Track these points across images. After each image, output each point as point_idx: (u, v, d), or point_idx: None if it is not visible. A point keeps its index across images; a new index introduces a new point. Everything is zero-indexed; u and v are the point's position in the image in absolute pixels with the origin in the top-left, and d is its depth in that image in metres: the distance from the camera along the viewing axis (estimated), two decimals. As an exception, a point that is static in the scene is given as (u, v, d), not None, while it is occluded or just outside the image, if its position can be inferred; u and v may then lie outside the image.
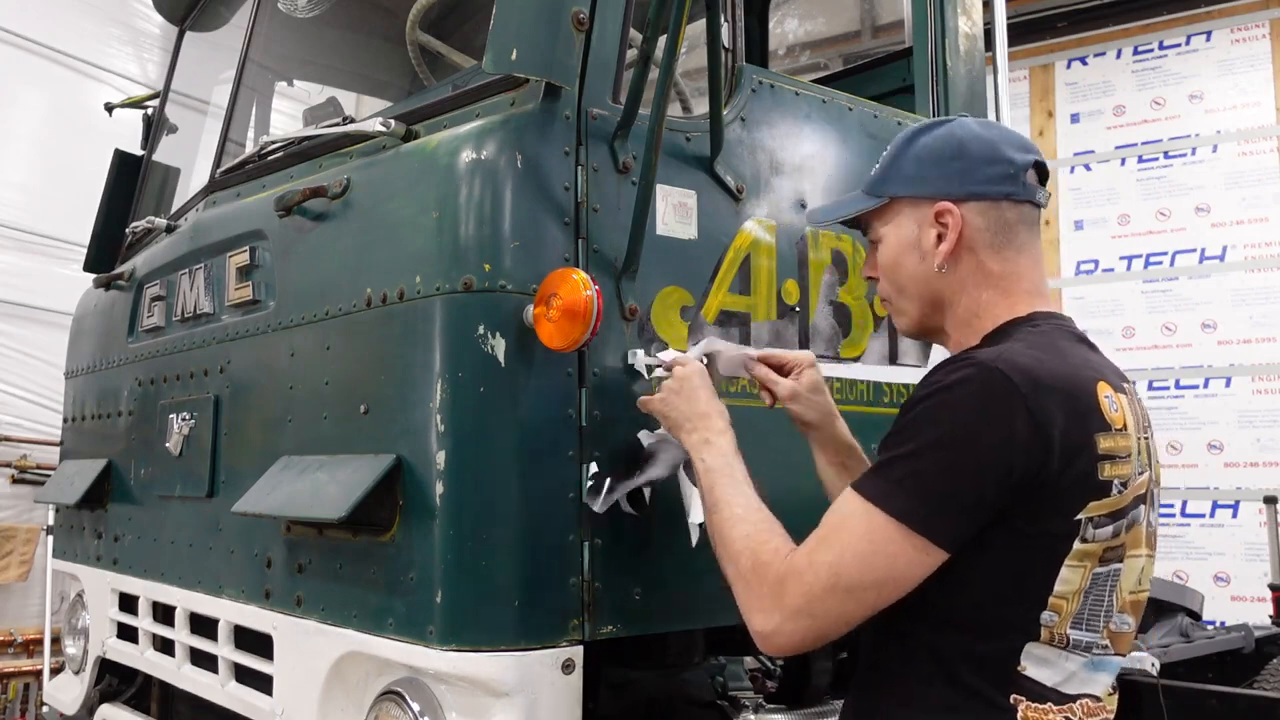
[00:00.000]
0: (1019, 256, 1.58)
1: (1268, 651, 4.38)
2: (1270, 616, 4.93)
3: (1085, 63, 7.19)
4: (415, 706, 1.71)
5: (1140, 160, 6.96)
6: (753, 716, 2.23)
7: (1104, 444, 1.40)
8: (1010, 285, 1.57)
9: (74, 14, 6.39)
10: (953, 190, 1.57)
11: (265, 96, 3.26)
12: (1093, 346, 1.57)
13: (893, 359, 2.35)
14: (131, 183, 3.42)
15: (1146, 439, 1.52)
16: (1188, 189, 6.82)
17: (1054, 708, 1.41)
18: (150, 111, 3.55)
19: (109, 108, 3.87)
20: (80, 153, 5.71)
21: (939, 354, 2.43)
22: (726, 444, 1.68)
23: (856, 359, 2.27)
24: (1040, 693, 1.41)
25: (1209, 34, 6.80)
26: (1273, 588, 5.01)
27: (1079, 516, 1.38)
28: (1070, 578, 1.39)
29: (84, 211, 3.53)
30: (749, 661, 2.84)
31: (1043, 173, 1.61)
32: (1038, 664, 1.41)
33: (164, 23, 4.02)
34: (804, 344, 2.17)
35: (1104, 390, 1.44)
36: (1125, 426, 1.44)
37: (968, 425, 1.35)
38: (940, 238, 1.57)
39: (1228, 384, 6.55)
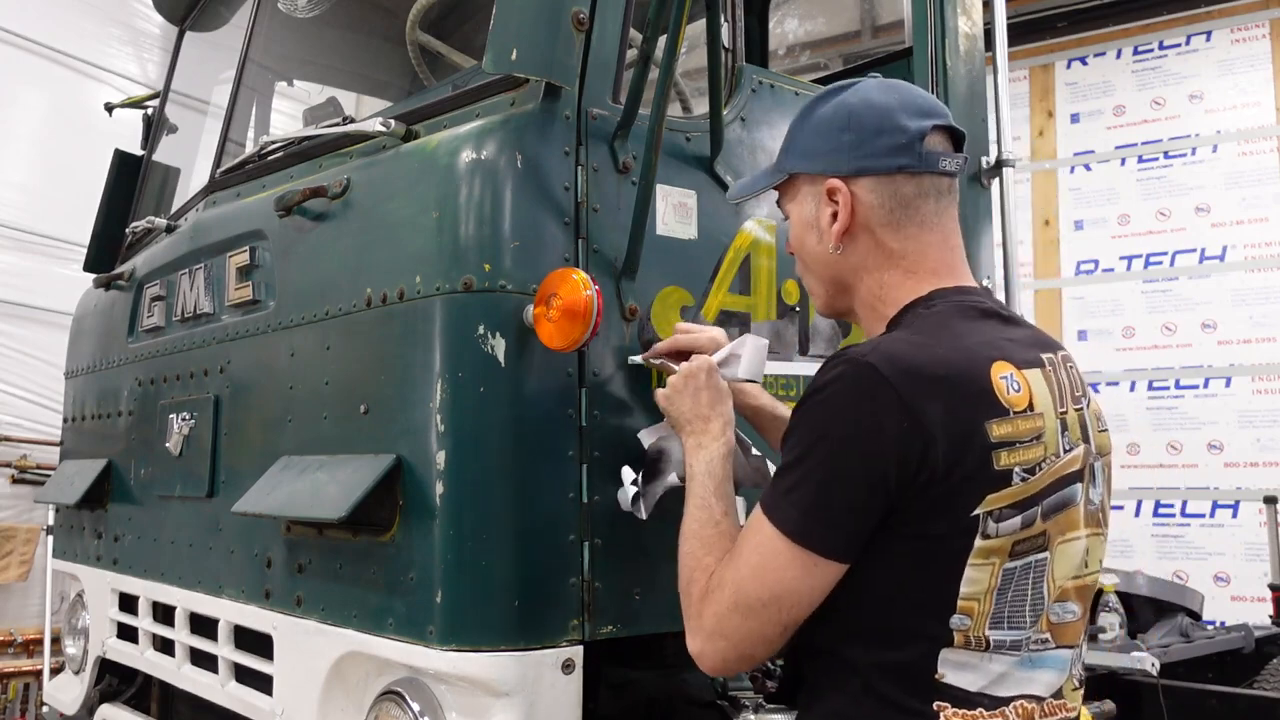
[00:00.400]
0: (922, 233, 1.47)
1: (1268, 651, 4.38)
2: (1270, 616, 4.94)
3: (1085, 63, 7.19)
4: (415, 706, 1.71)
5: (1140, 160, 6.96)
6: (753, 716, 2.23)
7: (998, 430, 1.30)
8: (914, 264, 1.48)
9: (74, 14, 6.39)
10: (841, 166, 1.48)
11: (265, 96, 3.26)
12: (1004, 319, 1.47)
13: (893, 359, 2.34)
14: (131, 183, 3.42)
15: (1080, 410, 1.43)
16: (1188, 189, 6.83)
17: (984, 713, 1.33)
18: (150, 111, 3.55)
19: (109, 108, 3.87)
20: (80, 153, 5.71)
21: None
22: (715, 451, 1.63)
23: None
24: (966, 698, 1.32)
25: (1209, 34, 6.80)
26: (1273, 588, 5.01)
27: (975, 512, 1.29)
28: (977, 577, 1.31)
29: (84, 211, 3.53)
30: (749, 661, 2.84)
31: (956, 137, 1.50)
32: (957, 669, 1.33)
33: (164, 23, 4.02)
34: (804, 344, 2.17)
35: (1001, 370, 1.34)
36: (1031, 406, 1.34)
37: (840, 427, 1.30)
38: (834, 216, 1.50)
39: (1228, 384, 6.56)
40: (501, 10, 1.80)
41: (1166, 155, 6.90)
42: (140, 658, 2.65)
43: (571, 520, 1.75)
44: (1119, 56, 7.09)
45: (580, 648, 1.72)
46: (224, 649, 2.24)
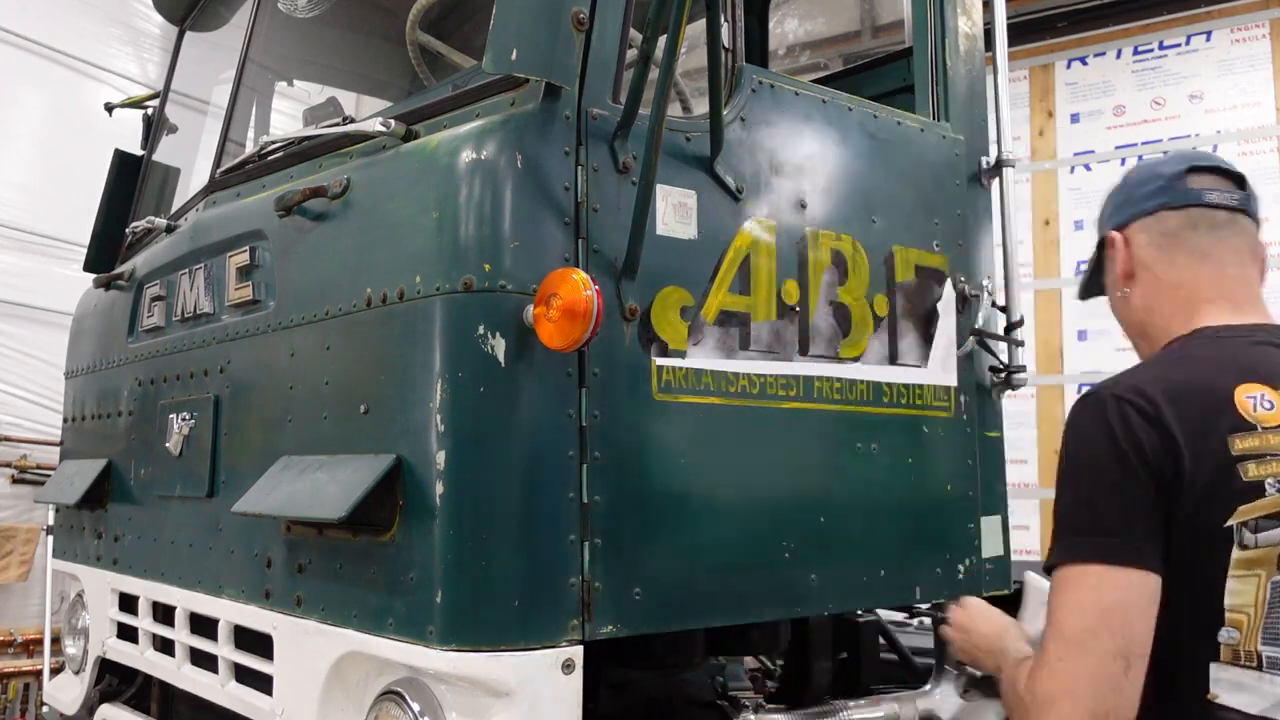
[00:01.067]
0: (1195, 263, 1.57)
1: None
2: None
3: (1085, 63, 7.18)
4: (415, 706, 1.71)
5: (1140, 161, 6.96)
6: (753, 716, 2.23)
7: (1242, 444, 1.34)
8: (1190, 295, 1.57)
9: (74, 14, 6.39)
10: (1118, 219, 1.66)
11: (265, 96, 3.26)
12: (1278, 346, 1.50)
13: (893, 359, 2.34)
14: (131, 183, 3.42)
15: None
16: (1188, 189, 6.81)
17: None
18: (150, 111, 3.55)
19: (109, 108, 3.87)
20: (80, 153, 5.71)
21: (938, 357, 2.43)
22: (1000, 645, 1.71)
23: (856, 359, 2.27)
24: (1243, 717, 1.31)
25: (1209, 34, 6.80)
26: (1273, 588, 5.00)
27: (1229, 523, 1.32)
28: (1241, 589, 1.32)
29: (84, 211, 3.53)
30: (749, 661, 2.85)
31: (1231, 177, 1.62)
32: (1232, 689, 1.32)
33: (164, 23, 4.02)
34: (804, 344, 2.17)
35: (1248, 390, 1.38)
36: (1269, 425, 1.37)
37: (1091, 449, 1.39)
38: (1118, 266, 1.65)
39: (1228, 384, 6.55)
40: (501, 10, 1.80)
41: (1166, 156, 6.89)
42: (140, 658, 2.65)
43: (571, 520, 1.75)
44: (1119, 56, 7.09)
45: (580, 648, 1.72)
46: (224, 649, 2.24)
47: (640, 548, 1.84)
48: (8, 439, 5.92)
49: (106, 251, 3.28)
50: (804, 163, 2.24)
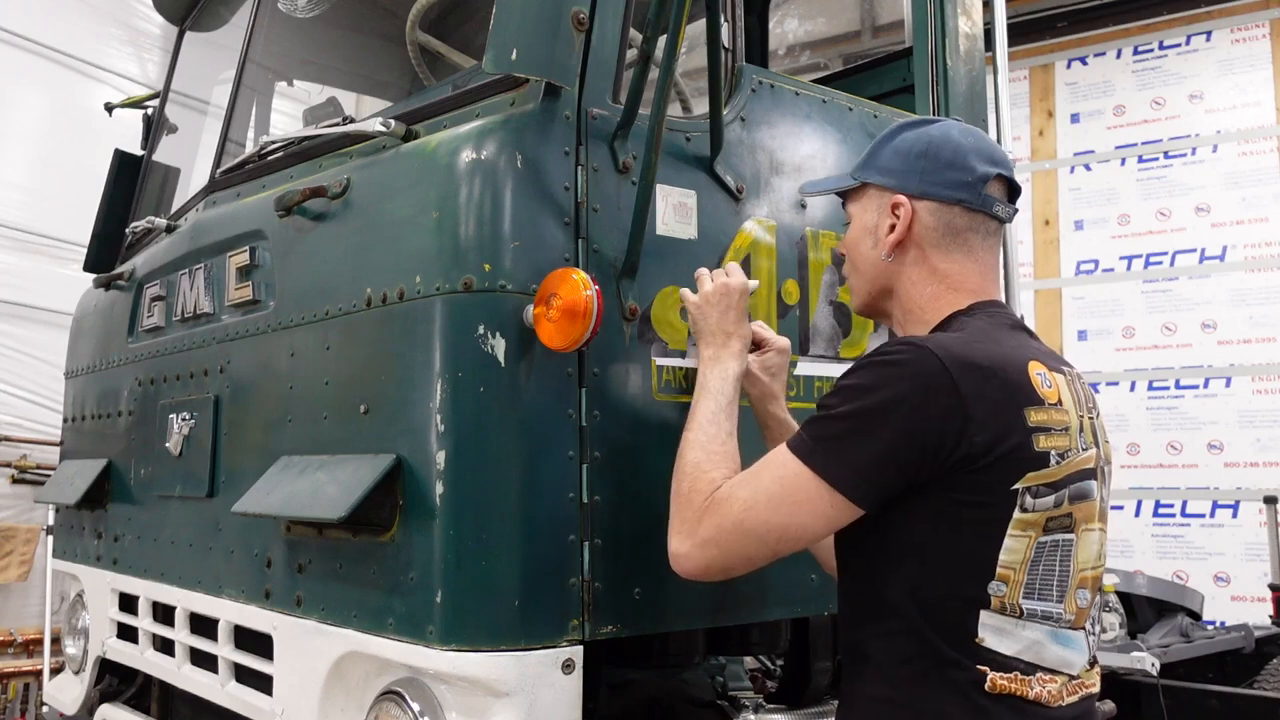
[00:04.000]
0: (966, 260, 1.67)
1: (1268, 651, 4.39)
2: (1270, 616, 4.94)
3: (1085, 63, 7.19)
4: (415, 706, 1.71)
5: (1140, 160, 6.96)
6: (753, 716, 2.23)
7: (1035, 416, 1.47)
8: (956, 284, 1.67)
9: (74, 14, 6.39)
10: (909, 186, 1.68)
11: (265, 96, 3.26)
12: (1031, 334, 1.68)
13: (893, 359, 2.34)
14: (131, 183, 3.42)
15: (1091, 418, 1.59)
16: (1188, 189, 6.83)
17: (1020, 676, 1.46)
18: (150, 111, 3.55)
19: (109, 108, 3.87)
20: (80, 153, 5.72)
21: (939, 354, 2.43)
22: (731, 369, 1.77)
23: (856, 359, 2.26)
24: (1004, 662, 1.45)
25: (1209, 34, 6.80)
26: (1273, 588, 5.01)
27: (1015, 486, 1.44)
28: (1014, 547, 1.45)
29: (84, 211, 3.53)
30: (749, 661, 2.84)
31: (1012, 188, 1.71)
32: (995, 634, 1.46)
33: (164, 23, 4.02)
34: (804, 344, 2.17)
35: (1036, 368, 1.51)
36: (1060, 401, 1.51)
37: (891, 394, 1.44)
38: (892, 228, 1.69)
39: (1228, 384, 6.56)
40: (501, 10, 1.80)
41: (1166, 155, 6.90)
42: (140, 658, 2.65)
43: (571, 520, 1.75)
44: (1119, 56, 7.09)
45: (580, 648, 1.72)
46: (224, 649, 2.24)
47: (640, 548, 1.84)
48: (8, 439, 5.92)
49: (106, 251, 3.28)
50: (804, 163, 2.24)
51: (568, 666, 1.69)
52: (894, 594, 1.50)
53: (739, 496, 1.54)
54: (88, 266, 3.28)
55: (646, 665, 2.20)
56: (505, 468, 1.71)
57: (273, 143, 2.50)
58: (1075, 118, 7.22)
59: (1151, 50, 6.98)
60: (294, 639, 1.99)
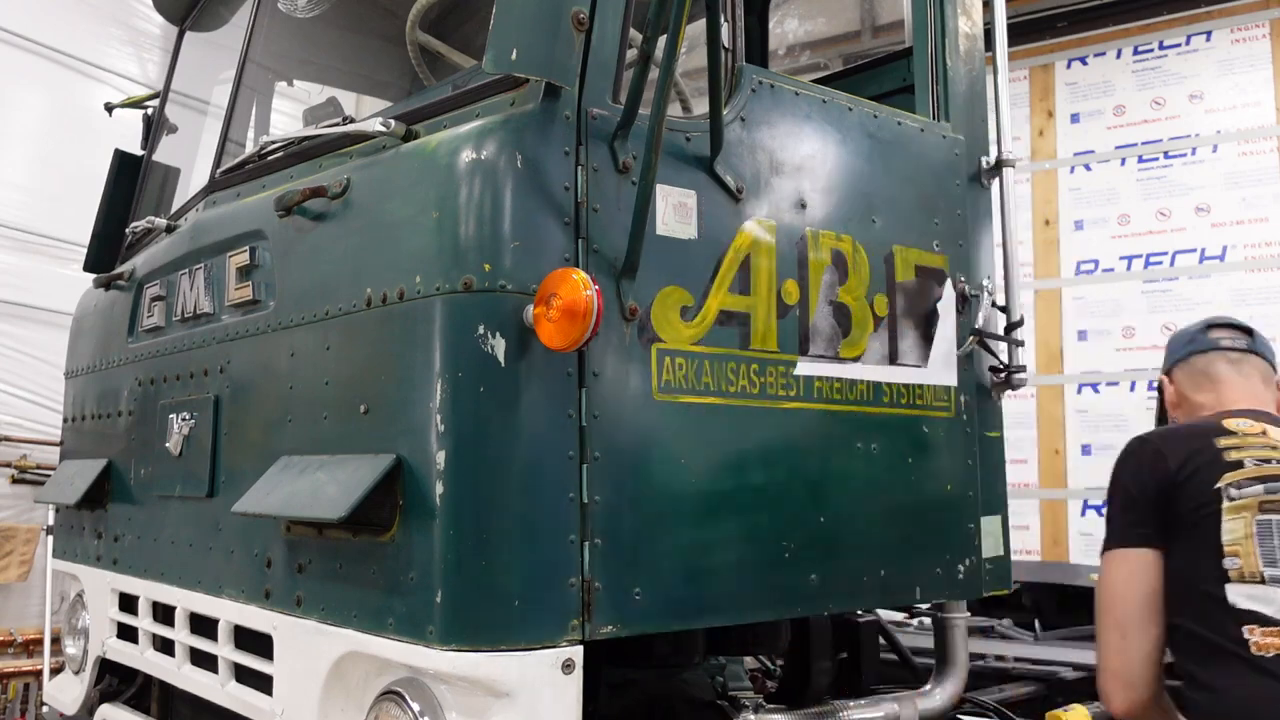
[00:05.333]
0: (1214, 387, 2.23)
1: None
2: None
3: (1085, 63, 7.18)
4: (415, 706, 1.71)
5: (1140, 160, 6.95)
6: (753, 716, 2.23)
7: (1224, 441, 2.00)
8: (1211, 408, 2.20)
9: (74, 14, 6.39)
10: (1165, 367, 2.37)
11: (265, 96, 3.26)
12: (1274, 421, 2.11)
13: (892, 359, 2.35)
14: (131, 183, 3.42)
15: None
16: (1188, 189, 6.82)
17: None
18: (150, 111, 3.55)
19: (109, 108, 3.86)
20: (80, 153, 5.71)
21: (938, 357, 2.44)
22: None
23: (856, 359, 2.27)
24: (1268, 620, 1.83)
25: (1209, 34, 6.79)
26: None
27: (1217, 486, 1.94)
28: (1233, 527, 1.90)
29: (84, 211, 3.53)
30: (749, 661, 2.84)
31: (1230, 324, 2.30)
32: (1249, 600, 1.85)
33: (164, 23, 4.02)
34: (804, 344, 2.17)
35: (1237, 420, 2.06)
36: (1264, 433, 2.00)
37: (1121, 473, 2.11)
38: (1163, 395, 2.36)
39: (1228, 384, 6.54)
40: (501, 10, 1.80)
41: (1166, 155, 6.89)
42: (140, 658, 2.65)
43: (571, 520, 1.75)
44: (1119, 56, 7.09)
45: (580, 648, 1.72)
46: (224, 649, 2.24)
47: (640, 548, 1.84)
48: (8, 439, 5.92)
49: (106, 251, 3.28)
50: (804, 163, 2.24)
51: (568, 666, 1.69)
52: (1171, 598, 1.99)
53: (1103, 626, 2.08)
54: (88, 266, 3.27)
55: (646, 665, 2.21)
56: (505, 468, 1.71)
57: (273, 143, 2.50)
58: (1075, 118, 7.21)
59: (1151, 50, 6.97)
60: (294, 639, 1.99)
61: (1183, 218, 6.85)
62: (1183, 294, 6.74)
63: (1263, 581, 1.84)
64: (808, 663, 2.40)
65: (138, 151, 3.49)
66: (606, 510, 1.79)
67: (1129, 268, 6.87)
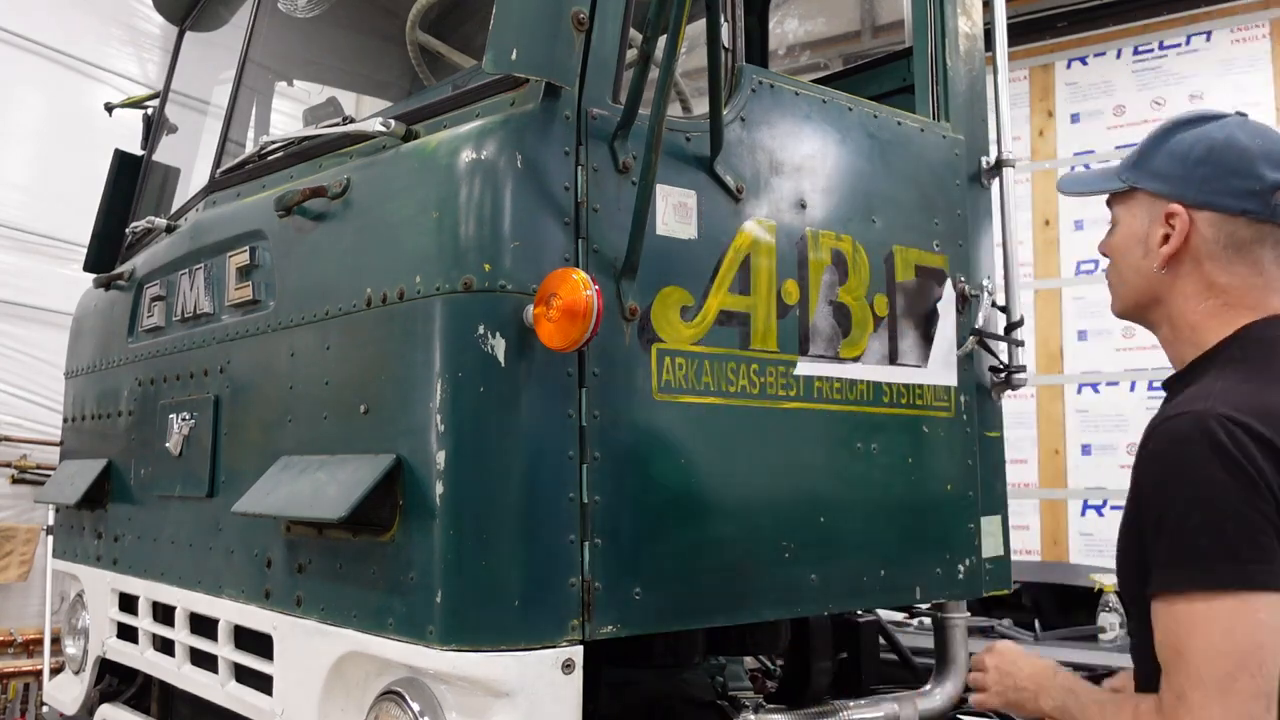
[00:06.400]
0: (1250, 274, 1.55)
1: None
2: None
3: (1085, 63, 7.18)
4: (415, 706, 1.71)
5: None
6: (753, 716, 2.23)
7: None
8: (1234, 299, 1.55)
9: (74, 14, 6.39)
10: (1188, 195, 1.56)
11: (265, 96, 3.26)
12: None
13: (892, 359, 2.35)
14: (131, 183, 3.42)
15: None
16: (1188, 189, 6.81)
17: None
18: (150, 111, 3.55)
19: (109, 108, 3.86)
20: (80, 153, 5.71)
21: (938, 357, 2.43)
22: (1060, 683, 1.66)
23: (856, 359, 2.27)
24: None
25: (1209, 34, 6.79)
26: (1273, 587, 5.00)
27: None
28: None
29: (84, 211, 3.53)
30: (749, 661, 2.84)
31: None
32: None
33: (164, 23, 4.02)
34: (804, 344, 2.17)
35: None
36: None
37: (1208, 473, 1.35)
38: (1166, 238, 1.57)
39: (1228, 384, 6.54)
40: (501, 10, 1.80)
41: (1167, 155, 6.88)
42: (140, 658, 2.65)
43: (571, 520, 1.75)
44: (1119, 56, 7.09)
45: (580, 648, 1.72)
46: (224, 649, 2.24)
47: (640, 548, 1.84)
48: (8, 439, 5.92)
49: (106, 251, 3.28)
50: (804, 163, 2.24)
51: (568, 666, 1.69)
52: None
53: (1182, 686, 1.34)
54: (88, 266, 3.27)
55: (646, 665, 2.21)
56: (505, 468, 1.71)
57: (273, 143, 2.50)
58: (1075, 118, 7.21)
59: (1151, 50, 6.98)
60: (294, 639, 1.99)
61: (1183, 218, 6.83)
62: (1183, 294, 6.73)
63: None
64: (808, 663, 2.40)
65: (138, 151, 3.49)
66: (606, 510, 1.79)
67: (1129, 268, 6.87)
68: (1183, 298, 1.59)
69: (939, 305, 2.46)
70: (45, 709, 3.32)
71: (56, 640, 4.85)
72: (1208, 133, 1.58)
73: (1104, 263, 1.76)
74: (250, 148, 2.78)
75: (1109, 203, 1.72)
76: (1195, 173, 1.56)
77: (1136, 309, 1.68)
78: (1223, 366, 1.50)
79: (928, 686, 2.51)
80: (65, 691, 3.06)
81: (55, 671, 4.36)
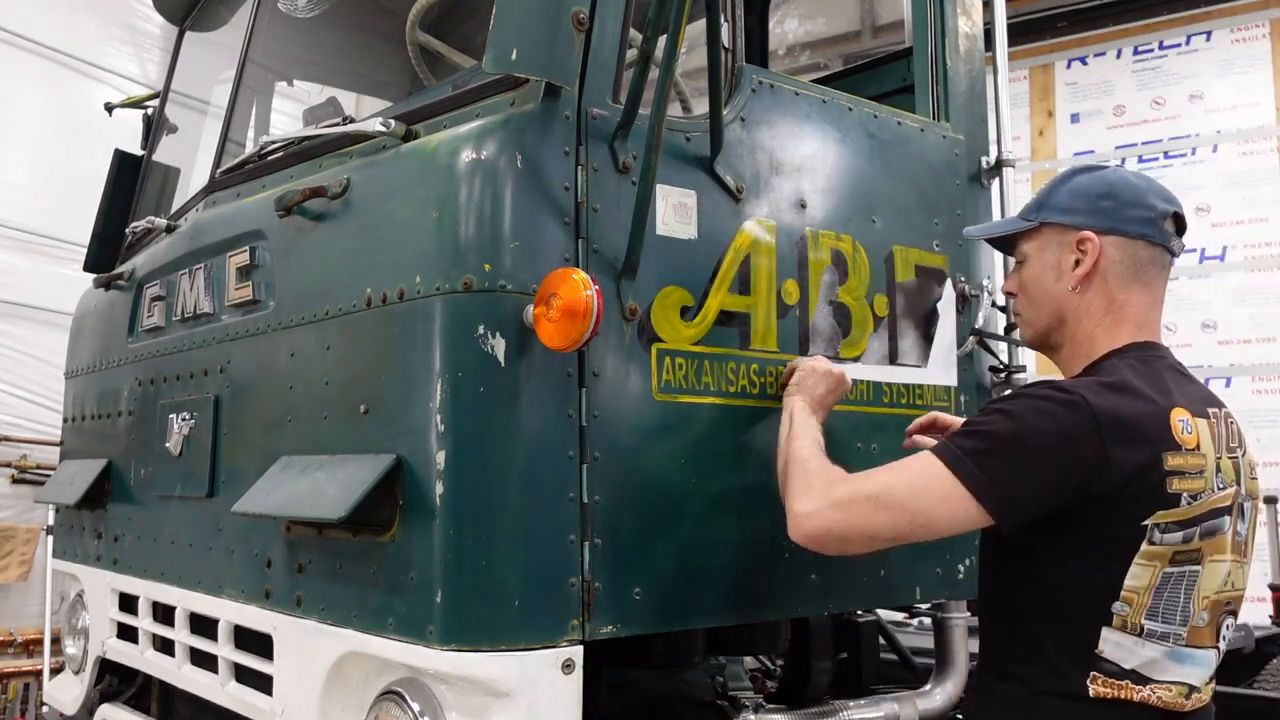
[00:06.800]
0: (1142, 292, 1.83)
1: (1268, 651, 4.37)
2: (1270, 616, 4.93)
3: (1085, 63, 7.19)
4: (415, 706, 1.72)
5: (1140, 160, 6.95)
6: (753, 716, 2.23)
7: (1172, 461, 1.63)
8: (1123, 316, 1.82)
9: (74, 14, 6.39)
10: (1096, 223, 1.82)
11: (265, 96, 3.26)
12: (1184, 375, 1.81)
13: (892, 359, 2.35)
14: (131, 183, 3.42)
15: (1234, 458, 1.75)
16: (1188, 189, 6.81)
17: (1132, 685, 1.63)
18: (150, 111, 3.55)
19: (109, 108, 3.86)
20: (80, 153, 5.71)
21: (938, 357, 2.44)
22: (820, 414, 1.99)
23: (856, 359, 2.27)
24: (1117, 672, 1.63)
25: (1209, 34, 6.80)
26: (1273, 588, 5.00)
27: (1145, 523, 1.61)
28: (1139, 574, 1.62)
29: (84, 211, 3.53)
30: (749, 661, 2.84)
31: (1180, 224, 1.86)
32: (1115, 648, 1.63)
33: (164, 23, 4.02)
34: (803, 344, 2.17)
35: (1179, 415, 1.67)
36: (1198, 446, 1.67)
37: (1046, 437, 1.61)
38: (1078, 263, 1.82)
39: (1228, 384, 6.55)
40: (501, 10, 1.80)
41: (1166, 155, 6.89)
42: (140, 658, 2.65)
43: (571, 520, 1.75)
44: (1119, 56, 7.09)
45: (580, 648, 1.72)
46: (224, 649, 2.24)
47: (640, 548, 1.84)
48: (8, 439, 5.92)
49: (106, 251, 3.28)
50: (804, 163, 2.24)
51: (568, 666, 1.69)
52: (1026, 610, 1.71)
53: (879, 476, 1.71)
54: (88, 266, 3.27)
55: (646, 665, 2.21)
56: (505, 468, 1.71)
57: (273, 143, 2.50)
58: (1075, 118, 7.22)
59: (1151, 50, 6.98)
60: (294, 639, 1.99)
61: (1183, 218, 6.83)
62: (1182, 294, 6.74)
63: (1139, 634, 1.63)
64: (808, 663, 2.40)
65: (138, 151, 3.49)
66: (606, 510, 1.79)
67: (1129, 268, 6.87)
68: (1087, 314, 1.84)
69: (939, 305, 2.46)
70: (45, 709, 3.32)
71: (56, 640, 4.86)
72: (1103, 174, 1.88)
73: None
74: (250, 148, 2.78)
75: (1012, 249, 1.97)
76: (1099, 205, 1.83)
77: (1047, 331, 1.90)
78: (1104, 373, 1.75)
79: (928, 686, 2.51)
80: (65, 691, 3.06)
81: (55, 671, 4.36)
